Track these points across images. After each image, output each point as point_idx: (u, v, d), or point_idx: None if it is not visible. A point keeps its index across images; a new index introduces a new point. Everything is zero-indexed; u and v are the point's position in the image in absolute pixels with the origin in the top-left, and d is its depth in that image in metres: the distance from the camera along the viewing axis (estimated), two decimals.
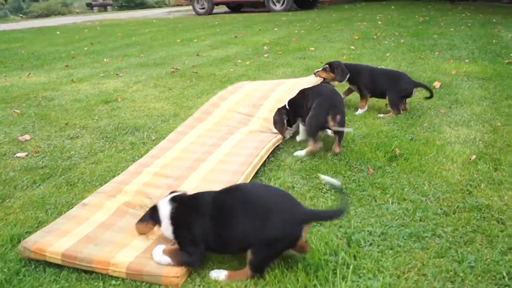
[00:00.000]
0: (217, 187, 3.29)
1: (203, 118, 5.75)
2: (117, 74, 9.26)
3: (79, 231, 3.42)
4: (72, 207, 3.81)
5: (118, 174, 4.52)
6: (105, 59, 11.13)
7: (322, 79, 6.24)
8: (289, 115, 5.19)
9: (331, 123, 4.68)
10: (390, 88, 6.08)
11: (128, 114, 6.58)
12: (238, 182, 3.98)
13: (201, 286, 2.93)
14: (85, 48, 13.13)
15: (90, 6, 38.57)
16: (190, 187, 3.99)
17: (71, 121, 6.33)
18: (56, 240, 3.27)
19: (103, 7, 38.56)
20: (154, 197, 3.90)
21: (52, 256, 3.14)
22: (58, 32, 18.66)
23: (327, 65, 6.22)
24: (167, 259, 2.99)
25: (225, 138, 5.19)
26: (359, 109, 6.27)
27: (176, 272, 2.92)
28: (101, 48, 13.19)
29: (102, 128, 5.98)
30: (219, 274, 2.98)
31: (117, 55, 11.71)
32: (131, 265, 3.02)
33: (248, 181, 4.15)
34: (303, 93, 5.14)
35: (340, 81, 6.17)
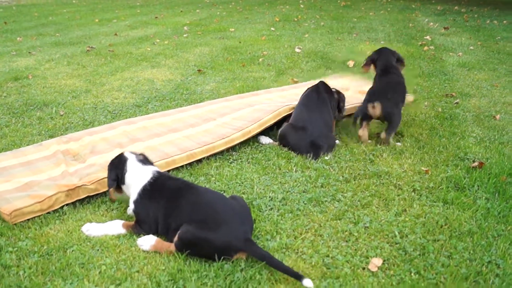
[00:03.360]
0: (156, 155, 3.93)
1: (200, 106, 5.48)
2: (29, 53, 8.94)
3: (6, 163, 3.95)
4: None
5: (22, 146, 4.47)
6: (18, 38, 10.71)
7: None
8: None
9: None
10: None
11: (38, 90, 6.39)
12: (174, 157, 3.99)
13: None
14: None
15: None
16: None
17: None
18: None
19: None
20: (95, 151, 4.16)
21: None
22: None
23: None
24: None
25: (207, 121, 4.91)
26: None
27: (9, 212, 3.20)
28: (15, 27, 12.68)
29: (10, 104, 5.79)
30: (144, 242, 2.97)
31: (31, 34, 11.30)
32: None
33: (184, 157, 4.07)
34: None
35: None
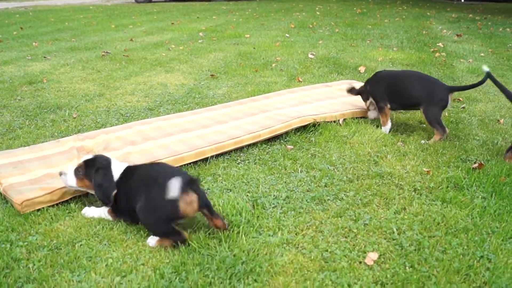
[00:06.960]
0: (165, 152, 4.17)
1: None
2: (45, 57, 9.13)
3: (22, 157, 4.17)
4: None
5: None
6: (34, 43, 10.92)
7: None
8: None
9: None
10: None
11: (52, 94, 6.55)
12: (182, 155, 4.16)
13: None
14: (14, 33, 12.80)
15: None
16: (143, 148, 4.37)
17: None
18: None
19: None
20: (108, 148, 4.35)
21: None
22: None
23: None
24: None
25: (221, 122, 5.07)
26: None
27: (20, 201, 3.40)
28: (31, 32, 12.91)
29: (24, 107, 5.94)
30: (151, 239, 3.08)
31: (47, 39, 11.52)
32: (5, 187, 3.62)
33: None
34: None
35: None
